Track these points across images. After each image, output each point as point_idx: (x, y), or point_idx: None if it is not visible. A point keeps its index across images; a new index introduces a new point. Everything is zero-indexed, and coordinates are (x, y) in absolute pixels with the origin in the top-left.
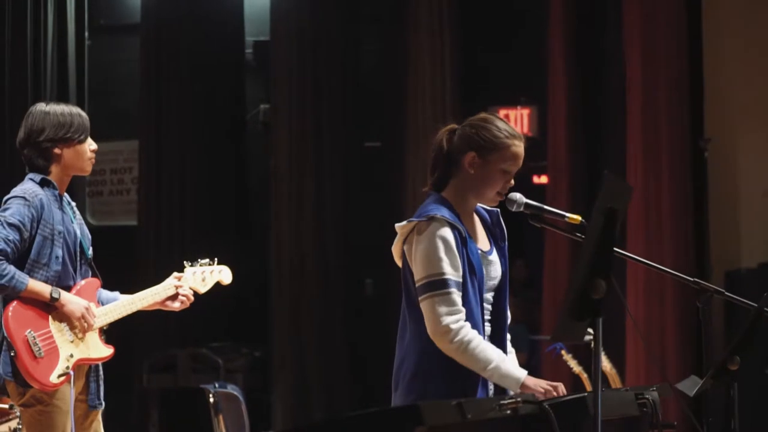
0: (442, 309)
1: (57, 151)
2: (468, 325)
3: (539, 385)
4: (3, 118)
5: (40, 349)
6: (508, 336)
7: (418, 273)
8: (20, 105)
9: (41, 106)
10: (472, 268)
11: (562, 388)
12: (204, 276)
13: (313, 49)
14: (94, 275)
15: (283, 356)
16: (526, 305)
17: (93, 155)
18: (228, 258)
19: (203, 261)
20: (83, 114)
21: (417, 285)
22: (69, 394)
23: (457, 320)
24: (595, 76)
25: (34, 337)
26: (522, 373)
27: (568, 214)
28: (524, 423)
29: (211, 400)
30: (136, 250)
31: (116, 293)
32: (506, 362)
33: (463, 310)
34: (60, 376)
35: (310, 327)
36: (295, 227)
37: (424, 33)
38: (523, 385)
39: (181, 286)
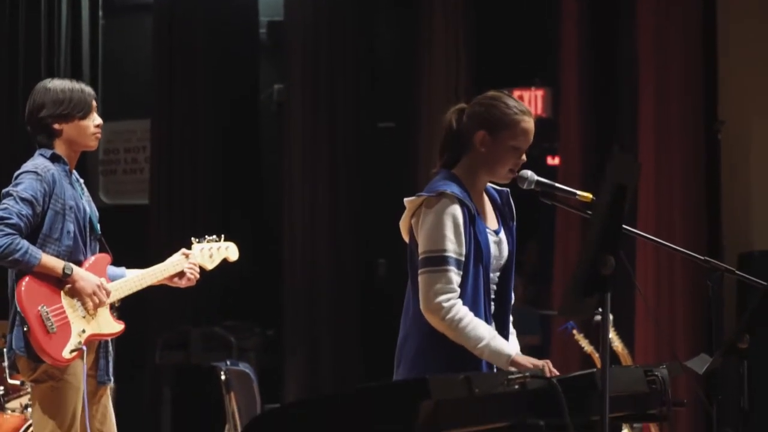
0: (437, 286)
1: (57, 127)
2: (460, 302)
3: (529, 362)
4: (17, 99)
5: (52, 325)
6: (512, 319)
7: (421, 247)
8: (34, 85)
9: (44, 83)
10: (479, 247)
11: (549, 366)
12: (211, 252)
13: (328, 29)
14: (103, 251)
15: (295, 335)
16: (537, 286)
17: (98, 130)
18: (240, 237)
19: (210, 238)
20: (86, 89)
21: (419, 259)
22: (80, 370)
23: (449, 298)
24: (607, 57)
25: (46, 312)
26: (512, 350)
27: (579, 192)
28: (532, 398)
29: (223, 377)
30: (149, 228)
31: (122, 269)
32: (497, 339)
33: (458, 289)
34: (72, 351)
35: (323, 307)
36: (308, 207)
37: (438, 13)
38: (512, 362)
39: (191, 266)
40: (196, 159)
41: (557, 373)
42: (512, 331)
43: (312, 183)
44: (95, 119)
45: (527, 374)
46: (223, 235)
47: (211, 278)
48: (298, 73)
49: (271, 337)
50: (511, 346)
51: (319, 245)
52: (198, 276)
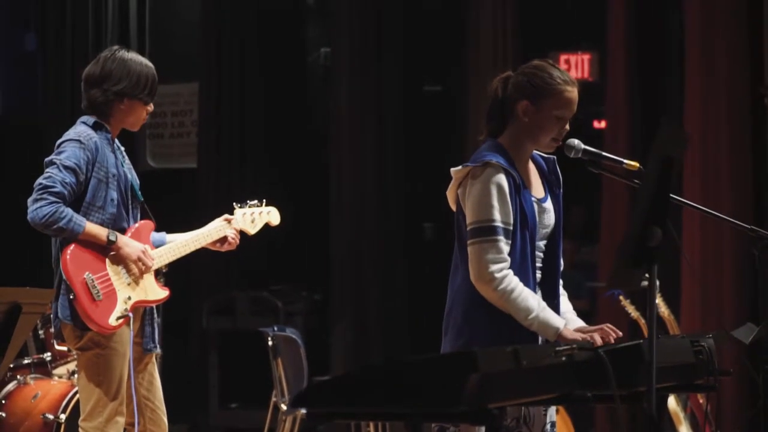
0: (489, 256)
1: (120, 103)
2: (511, 273)
3: (576, 336)
4: (64, 60)
5: (98, 292)
6: (561, 282)
7: (469, 217)
8: (81, 46)
9: (121, 54)
10: (525, 217)
11: (607, 328)
12: (253, 217)
13: None
14: (146, 218)
15: (342, 299)
16: (584, 251)
17: (146, 117)
18: (287, 200)
19: (252, 202)
20: (155, 75)
21: (467, 229)
22: (127, 337)
23: (501, 268)
24: (654, 21)
25: (92, 279)
26: (560, 323)
27: (626, 161)
28: (579, 370)
29: (270, 343)
30: (196, 192)
31: (163, 234)
32: (546, 311)
33: (509, 259)
34: (118, 318)
35: (369, 270)
36: (355, 170)
37: None
38: (560, 336)
39: (234, 233)
40: (244, 122)
41: (620, 334)
42: (563, 292)
43: (359, 145)
44: (150, 105)
45: (574, 346)
46: (264, 200)
47: (258, 242)
48: (344, 36)
49: (318, 301)
50: (559, 318)
51: (366, 209)
52: (238, 241)
